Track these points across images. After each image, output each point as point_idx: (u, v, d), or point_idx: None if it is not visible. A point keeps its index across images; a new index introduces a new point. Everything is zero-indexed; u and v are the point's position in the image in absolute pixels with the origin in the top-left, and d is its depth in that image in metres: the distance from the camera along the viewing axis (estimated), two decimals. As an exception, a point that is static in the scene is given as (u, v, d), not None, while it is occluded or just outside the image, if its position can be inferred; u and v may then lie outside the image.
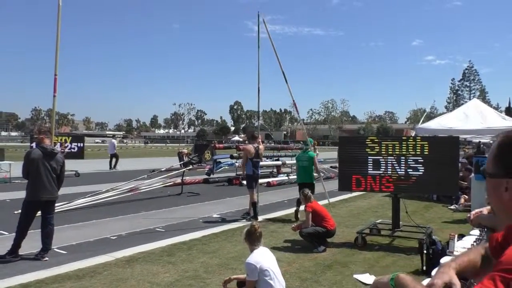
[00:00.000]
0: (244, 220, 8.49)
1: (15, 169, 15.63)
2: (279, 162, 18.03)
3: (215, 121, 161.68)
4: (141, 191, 11.23)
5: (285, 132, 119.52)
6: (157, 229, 7.68)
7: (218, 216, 9.14)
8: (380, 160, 6.63)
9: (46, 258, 5.55)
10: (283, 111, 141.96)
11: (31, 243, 5.83)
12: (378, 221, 7.68)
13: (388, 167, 6.58)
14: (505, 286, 0.91)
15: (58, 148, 5.90)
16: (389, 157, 6.58)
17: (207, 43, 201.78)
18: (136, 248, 6.10)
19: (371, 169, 6.68)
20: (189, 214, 9.19)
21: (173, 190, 12.60)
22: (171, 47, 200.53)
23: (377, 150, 6.66)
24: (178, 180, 12.77)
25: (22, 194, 11.41)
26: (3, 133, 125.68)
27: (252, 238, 3.92)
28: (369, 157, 6.69)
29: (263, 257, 3.80)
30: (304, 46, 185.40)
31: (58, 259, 5.57)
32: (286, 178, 16.81)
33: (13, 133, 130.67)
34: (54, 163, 5.79)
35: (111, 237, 6.96)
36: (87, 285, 4.64)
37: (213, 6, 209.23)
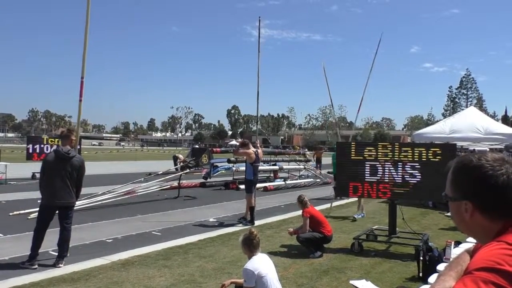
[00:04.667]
0: (240, 225, 8.47)
1: (11, 170, 15.59)
2: (276, 167, 18.02)
3: (212, 125, 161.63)
4: (138, 194, 11.19)
5: (282, 137, 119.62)
6: (153, 232, 7.65)
7: (215, 220, 9.12)
8: (377, 166, 6.65)
9: (61, 265, 5.40)
10: (280, 116, 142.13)
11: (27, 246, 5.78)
12: (374, 227, 7.68)
13: (385, 173, 6.60)
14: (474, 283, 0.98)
15: (74, 152, 5.72)
16: (386, 163, 6.60)
17: (206, 47, 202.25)
18: (132, 252, 6.08)
19: (368, 175, 6.69)
20: (186, 218, 9.17)
21: (170, 194, 12.58)
22: (169, 50, 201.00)
23: (374, 156, 6.68)
24: (175, 183, 12.75)
25: (17, 196, 11.48)
26: (0, 134, 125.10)
27: (250, 245, 3.90)
28: (366, 163, 6.71)
29: (261, 264, 3.78)
30: (302, 51, 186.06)
31: (53, 261, 5.52)
32: (283, 183, 16.80)
33: (10, 134, 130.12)
34: (69, 167, 5.60)
35: (107, 240, 6.93)
36: (82, 288, 4.61)
37: (212, 9, 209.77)
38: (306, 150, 25.50)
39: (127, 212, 9.61)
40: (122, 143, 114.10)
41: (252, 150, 8.82)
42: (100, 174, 19.17)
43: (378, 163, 6.65)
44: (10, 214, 8.81)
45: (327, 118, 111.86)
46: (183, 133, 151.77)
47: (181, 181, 12.99)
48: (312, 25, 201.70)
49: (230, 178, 16.69)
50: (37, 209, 8.58)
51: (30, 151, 16.16)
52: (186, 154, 24.86)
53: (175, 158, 20.61)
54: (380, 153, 6.67)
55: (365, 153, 6.78)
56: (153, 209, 10.23)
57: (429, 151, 6.42)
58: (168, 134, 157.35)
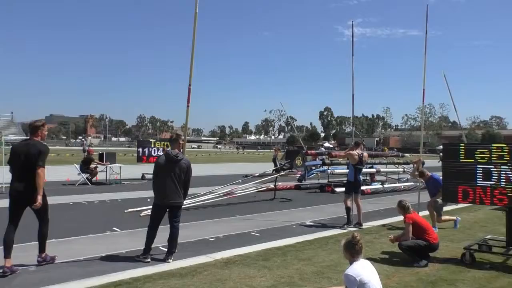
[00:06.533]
0: (341, 229, 8.33)
1: (124, 171, 17.23)
2: (373, 170, 17.37)
3: (305, 127, 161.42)
4: (236, 195, 11.60)
5: (377, 139, 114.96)
6: (252, 233, 7.87)
7: (311, 223, 9.08)
8: (492, 169, 6.05)
9: (170, 260, 5.77)
10: (375, 116, 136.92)
11: (141, 241, 6.31)
12: (488, 237, 6.99)
13: (501, 177, 5.98)
14: None
15: (182, 154, 6.12)
16: (502, 166, 5.98)
17: (297, 49, 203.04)
18: (233, 251, 6.30)
19: (481, 179, 6.12)
20: (283, 220, 9.27)
21: (265, 196, 12.83)
22: (262, 54, 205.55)
23: (487, 158, 6.10)
24: (271, 185, 12.97)
25: (131, 195, 12.61)
26: (113, 139, 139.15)
27: (352, 250, 3.80)
28: (478, 166, 6.15)
29: (363, 270, 3.66)
30: (398, 48, 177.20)
31: (163, 256, 5.94)
32: (381, 186, 16.13)
33: (122, 139, 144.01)
34: (178, 169, 5.91)
35: (210, 239, 7.28)
36: (189, 284, 4.89)
37: (302, 12, 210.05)
38: (395, 151, 24.11)
39: (227, 213, 10.02)
40: (219, 146, 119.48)
41: (356, 152, 8.71)
42: (201, 175, 20.25)
43: (492, 166, 6.05)
44: (125, 211, 9.72)
45: (427, 118, 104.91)
46: (276, 136, 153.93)
47: (276, 183, 13.17)
48: (408, 20, 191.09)
49: (325, 181, 16.50)
50: (148, 207, 9.37)
51: (140, 154, 17.72)
52: (280, 156, 25.20)
53: (274, 159, 20.93)
54: (495, 155, 6.07)
55: (476, 155, 6.22)
56: (250, 210, 10.53)
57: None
58: (261, 137, 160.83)
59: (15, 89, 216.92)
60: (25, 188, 5.22)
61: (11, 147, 5.66)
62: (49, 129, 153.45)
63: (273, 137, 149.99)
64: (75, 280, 4.88)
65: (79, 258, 5.87)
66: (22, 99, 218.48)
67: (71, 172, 17.28)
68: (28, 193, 5.21)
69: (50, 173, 19.42)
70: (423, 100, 9.79)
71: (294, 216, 9.90)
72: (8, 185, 12.49)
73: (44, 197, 5.35)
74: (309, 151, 17.89)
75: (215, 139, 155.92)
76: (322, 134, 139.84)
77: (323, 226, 8.77)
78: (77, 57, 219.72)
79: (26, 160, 5.22)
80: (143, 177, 17.48)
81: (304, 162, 17.68)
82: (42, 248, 5.54)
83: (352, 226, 8.53)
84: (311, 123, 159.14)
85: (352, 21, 9.89)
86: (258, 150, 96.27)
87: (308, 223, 9.06)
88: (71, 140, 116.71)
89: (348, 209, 8.66)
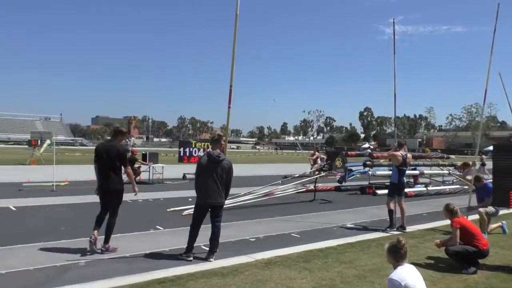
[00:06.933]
0: (384, 232, 8.14)
1: (166, 171, 17.65)
2: (416, 172, 16.83)
3: (344, 128, 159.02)
4: (276, 196, 11.61)
5: (419, 140, 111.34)
6: (292, 234, 7.84)
7: (352, 225, 8.93)
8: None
9: (211, 259, 5.86)
10: (417, 116, 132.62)
11: (183, 239, 6.44)
12: (543, 244, 6.61)
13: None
14: None
15: (224, 155, 6.22)
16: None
17: (336, 50, 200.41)
18: (274, 252, 6.31)
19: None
20: (323, 222, 9.18)
21: (305, 197, 12.75)
22: (299, 55, 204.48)
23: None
24: (311, 186, 12.87)
25: (173, 194, 12.91)
26: (155, 139, 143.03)
27: (397, 254, 3.70)
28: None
29: (408, 275, 3.56)
30: (442, 45, 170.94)
31: (204, 255, 6.03)
32: (424, 189, 15.62)
33: (163, 139, 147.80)
34: (220, 169, 5.97)
35: (250, 239, 7.32)
36: (230, 283, 4.94)
37: (341, 12, 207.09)
38: (440, 152, 23.16)
39: (267, 213, 10.04)
40: (257, 147, 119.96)
41: (400, 153, 8.49)
42: (240, 176, 20.41)
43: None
44: (168, 210, 9.96)
45: (473, 118, 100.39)
46: (314, 137, 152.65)
47: (316, 185, 13.06)
48: (452, 16, 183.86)
49: (366, 183, 16.18)
50: (189, 206, 9.57)
51: (181, 154, 18.10)
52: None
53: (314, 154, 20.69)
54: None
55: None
56: (290, 211, 10.50)
57: None
58: (300, 138, 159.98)
59: (64, 91, 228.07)
60: (108, 182, 6.11)
61: (94, 148, 6.61)
62: (95, 130, 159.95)
63: (311, 138, 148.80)
64: (120, 276, 5.05)
65: (124, 255, 6.07)
66: (71, 101, 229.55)
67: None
68: (110, 186, 6.12)
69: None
70: (484, 101, 9.30)
71: (334, 218, 9.77)
72: (57, 183, 13.10)
73: (122, 192, 6.25)
74: (349, 152, 17.61)
75: (254, 139, 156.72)
76: (362, 135, 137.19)
77: (365, 228, 8.60)
78: (122, 59, 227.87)
79: (108, 159, 6.11)
80: (184, 177, 17.85)
81: (344, 163, 17.41)
82: (107, 239, 6.17)
83: (395, 229, 8.32)
84: (350, 124, 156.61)
85: (394, 19, 9.61)
86: (297, 151, 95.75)
87: (349, 225, 8.92)
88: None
89: (391, 212, 8.46)
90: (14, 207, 9.93)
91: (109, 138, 6.52)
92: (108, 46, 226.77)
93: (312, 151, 20.07)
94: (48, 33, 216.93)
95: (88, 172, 20.09)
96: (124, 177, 6.38)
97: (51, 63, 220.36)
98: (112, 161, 6.11)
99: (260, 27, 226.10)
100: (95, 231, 6.11)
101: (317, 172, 14.19)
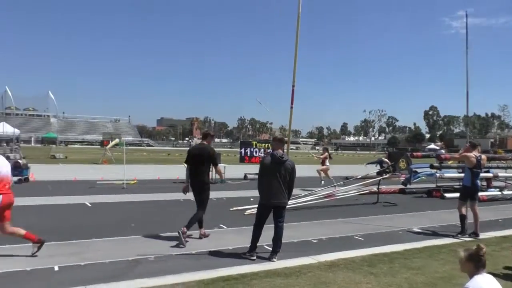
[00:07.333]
0: (455, 238, 7.72)
1: (227, 171, 18.01)
2: (489, 174, 15.75)
3: (407, 128, 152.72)
4: (337, 197, 11.42)
5: (492, 140, 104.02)
6: (355, 237, 7.67)
7: (420, 230, 8.55)
8: None
9: (274, 260, 5.90)
10: (489, 115, 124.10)
11: (246, 239, 6.54)
12: None
13: None
14: None
15: (287, 156, 6.28)
16: None
17: (400, 45, 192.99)
18: (337, 254, 6.21)
19: None
20: (387, 225, 8.88)
21: (368, 199, 12.42)
22: (357, 53, 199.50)
23: None
24: (374, 188, 12.52)
25: (234, 194, 13.15)
26: (216, 140, 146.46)
27: (478, 262, 3.48)
28: None
29: (488, 285, 3.34)
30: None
31: (267, 255, 6.08)
32: (499, 193, 14.56)
33: (224, 140, 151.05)
34: (283, 170, 6.00)
35: (313, 240, 7.27)
36: (293, 284, 4.94)
37: (406, 4, 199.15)
38: None
39: (328, 215, 9.91)
40: (317, 147, 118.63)
41: (473, 154, 8.01)
42: (300, 176, 20.32)
43: None
44: (230, 209, 10.16)
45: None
46: (376, 137, 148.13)
47: (380, 187, 12.67)
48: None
49: (433, 185, 15.42)
50: (251, 206, 9.70)
51: (242, 154, 18.38)
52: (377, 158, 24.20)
53: (381, 162, 20.04)
54: None
55: None
56: (352, 213, 10.28)
57: None
58: (360, 138, 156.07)
59: (132, 95, 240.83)
60: (198, 180, 6.94)
61: (188, 149, 7.67)
62: (160, 131, 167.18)
63: (373, 138, 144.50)
64: (188, 272, 5.23)
65: (190, 251, 6.29)
66: (137, 103, 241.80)
67: (180, 171, 18.60)
68: (200, 183, 6.94)
69: (162, 172, 21.20)
70: None
71: (399, 221, 9.42)
72: (127, 181, 13.86)
73: (208, 189, 7.04)
74: (414, 153, 16.87)
75: (313, 140, 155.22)
76: (427, 135, 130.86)
77: (434, 234, 8.20)
78: (184, 64, 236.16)
79: (200, 160, 6.94)
80: (245, 177, 18.12)
81: (409, 165, 16.72)
82: (200, 226, 7.16)
83: (467, 235, 7.85)
84: (414, 124, 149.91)
85: (466, 11, 9.09)
86: (357, 152, 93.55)
87: (415, 229, 8.55)
88: (179, 141, 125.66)
89: (463, 217, 7.98)
90: (89, 203, 10.66)
91: (199, 140, 7.69)
92: (169, 53, 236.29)
93: (322, 150, 18.06)
94: (114, 39, 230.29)
95: (156, 171, 21.08)
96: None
97: (120, 69, 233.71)
98: (203, 161, 6.93)
99: (322, 27, 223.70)
100: (201, 229, 7.12)
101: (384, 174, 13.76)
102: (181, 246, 6.50)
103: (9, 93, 42.68)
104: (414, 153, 16.73)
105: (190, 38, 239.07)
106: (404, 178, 15.20)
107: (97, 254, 5.98)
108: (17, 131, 35.96)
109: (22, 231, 5.68)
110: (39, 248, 5.73)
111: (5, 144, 33.65)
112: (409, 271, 5.56)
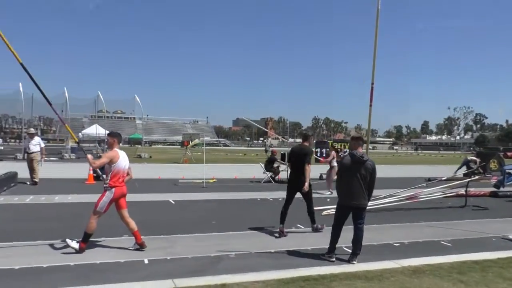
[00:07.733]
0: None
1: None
2: None
3: (498, 126, 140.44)
4: (420, 199, 10.86)
5: None
6: (441, 242, 7.23)
7: (515, 237, 7.83)
8: None
9: (354, 262, 5.79)
10: None
11: (324, 239, 6.47)
12: None
13: None
14: None
15: (367, 156, 6.17)
16: None
17: (483, 40, 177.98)
18: (422, 259, 5.90)
19: None
20: (478, 231, 8.25)
21: (454, 202, 11.64)
22: (442, 50, 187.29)
23: None
24: (461, 191, 11.69)
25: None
26: (290, 140, 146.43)
27: None
28: None
29: None
30: None
31: (347, 257, 5.97)
32: None
33: (298, 140, 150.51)
34: (363, 170, 5.87)
35: (394, 244, 6.99)
36: (376, 288, 4.80)
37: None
38: None
39: (410, 218, 9.46)
40: (395, 147, 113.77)
41: None
42: (379, 177, 19.64)
43: None
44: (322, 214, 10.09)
45: None
46: (461, 136, 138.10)
47: (468, 189, 11.81)
48: None
49: (530, 188, 14.01)
50: (328, 206, 9.58)
51: (318, 154, 18.21)
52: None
53: (468, 162, 18.63)
54: None
55: None
56: (437, 216, 9.70)
57: None
58: (443, 137, 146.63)
59: (209, 97, 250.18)
60: (297, 178, 7.43)
61: (290, 149, 8.17)
62: (236, 131, 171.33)
63: (458, 137, 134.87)
64: (268, 270, 5.31)
65: (269, 250, 6.37)
66: (215, 105, 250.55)
67: (257, 170, 18.93)
68: (299, 181, 7.37)
69: (239, 171, 21.73)
70: None
71: (491, 227, 8.69)
72: (207, 180, 14.42)
73: (310, 185, 7.46)
74: (508, 153, 15.47)
75: (391, 139, 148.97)
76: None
77: (533, 242, 7.46)
78: (256, 67, 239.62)
79: (298, 159, 7.43)
80: (320, 177, 17.91)
81: (502, 165, 15.36)
82: (313, 221, 7.76)
83: None
84: (506, 121, 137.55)
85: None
86: (440, 152, 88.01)
87: (511, 236, 7.84)
88: (254, 141, 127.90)
89: None
90: (173, 200, 11.26)
91: (299, 141, 8.12)
92: (243, 56, 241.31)
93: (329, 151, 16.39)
94: (184, 48, 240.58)
95: (233, 171, 21.67)
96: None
97: (199, 75, 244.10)
98: (301, 160, 7.37)
99: (401, 19, 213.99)
100: (280, 226, 7.48)
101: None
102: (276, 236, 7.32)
103: (101, 97, 46.40)
104: (508, 153, 15.32)
105: (261, 47, 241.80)
106: (496, 180, 14.02)
107: (182, 249, 6.31)
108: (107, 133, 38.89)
109: (135, 227, 6.21)
110: (137, 249, 6.18)
111: (97, 144, 36.82)
112: (505, 281, 5.12)
